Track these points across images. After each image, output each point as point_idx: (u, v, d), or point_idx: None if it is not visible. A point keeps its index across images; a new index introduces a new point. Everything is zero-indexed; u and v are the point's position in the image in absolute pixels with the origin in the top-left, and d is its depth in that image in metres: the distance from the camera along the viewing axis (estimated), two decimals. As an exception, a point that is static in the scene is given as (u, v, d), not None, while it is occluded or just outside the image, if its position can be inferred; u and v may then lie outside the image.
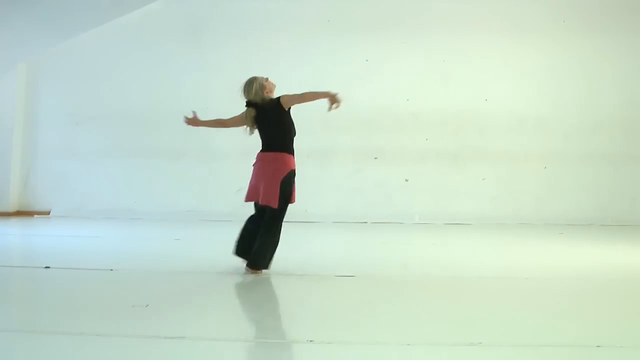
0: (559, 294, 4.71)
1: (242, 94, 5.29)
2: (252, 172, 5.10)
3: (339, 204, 8.97)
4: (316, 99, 5.04)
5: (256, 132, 5.27)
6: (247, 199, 5.11)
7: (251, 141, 9.23)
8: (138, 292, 4.55)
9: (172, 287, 4.79)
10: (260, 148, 5.16)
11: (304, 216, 8.15)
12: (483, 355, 3.25)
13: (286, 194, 4.95)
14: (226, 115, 9.13)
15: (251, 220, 5.12)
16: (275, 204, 4.85)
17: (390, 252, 6.45)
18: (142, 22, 9.30)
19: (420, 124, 9.12)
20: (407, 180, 9.13)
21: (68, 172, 9.32)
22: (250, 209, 5.17)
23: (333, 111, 4.88)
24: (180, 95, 9.28)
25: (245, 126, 5.26)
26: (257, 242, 4.91)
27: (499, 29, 9.16)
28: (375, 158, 8.90)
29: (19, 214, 9.23)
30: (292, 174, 5.02)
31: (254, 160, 5.12)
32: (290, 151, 5.09)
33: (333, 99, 4.83)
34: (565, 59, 9.18)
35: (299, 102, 5.10)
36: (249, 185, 5.09)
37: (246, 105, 5.24)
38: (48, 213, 9.26)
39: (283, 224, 5.00)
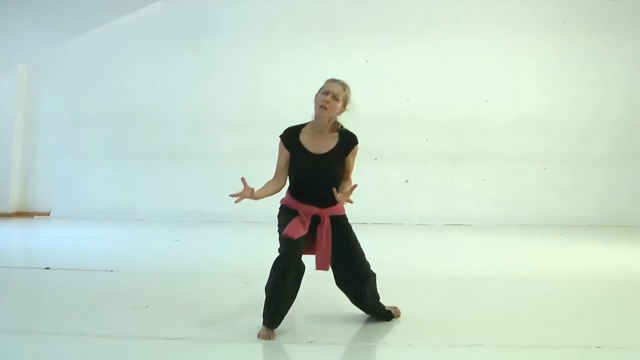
0: (559, 294, 4.71)
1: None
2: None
3: (339, 205, 8.96)
4: None
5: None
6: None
7: (252, 142, 9.32)
8: (138, 292, 4.55)
9: (172, 287, 4.79)
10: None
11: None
12: (483, 355, 3.25)
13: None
14: (226, 116, 9.22)
15: None
16: None
17: (390, 253, 6.45)
18: (142, 23, 9.30)
19: (421, 124, 9.12)
20: (407, 181, 9.13)
21: (68, 172, 9.31)
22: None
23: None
24: (180, 95, 9.29)
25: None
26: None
27: (499, 29, 9.16)
28: (375, 159, 8.88)
29: (19, 214, 9.22)
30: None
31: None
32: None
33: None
34: (565, 59, 9.17)
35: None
36: None
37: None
38: (48, 214, 9.25)
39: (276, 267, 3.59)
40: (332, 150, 3.70)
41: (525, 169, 9.12)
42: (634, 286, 5.03)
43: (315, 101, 3.74)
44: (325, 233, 3.63)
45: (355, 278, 3.71)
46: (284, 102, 9.10)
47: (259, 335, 3.45)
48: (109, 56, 9.37)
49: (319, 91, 3.75)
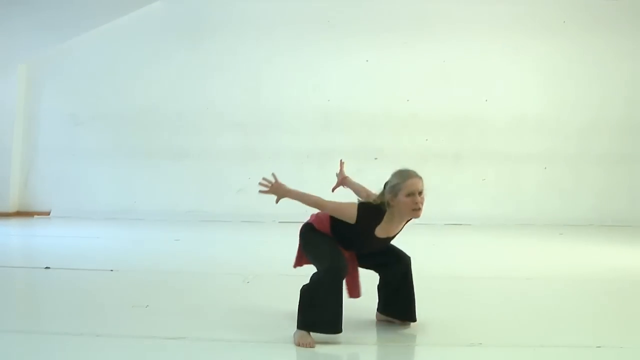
0: (559, 294, 4.71)
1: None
2: None
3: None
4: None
5: None
6: None
7: (252, 141, 9.31)
8: (138, 292, 4.55)
9: (172, 287, 4.79)
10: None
11: (304, 217, 8.13)
12: (483, 355, 3.25)
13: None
14: (226, 115, 9.22)
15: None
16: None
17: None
18: (142, 23, 9.30)
19: (420, 124, 9.12)
20: (407, 181, 9.14)
21: (68, 172, 9.31)
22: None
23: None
24: (180, 95, 9.30)
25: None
26: None
27: (499, 29, 9.16)
28: (376, 158, 8.88)
29: (19, 214, 9.23)
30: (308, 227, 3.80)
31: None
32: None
33: None
34: (565, 59, 9.18)
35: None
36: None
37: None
38: (48, 213, 9.26)
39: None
40: (397, 233, 3.67)
41: (525, 168, 9.12)
42: (633, 286, 5.03)
43: (393, 197, 3.43)
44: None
45: (398, 259, 3.78)
46: (284, 102, 9.11)
47: (301, 344, 3.32)
48: (109, 56, 9.37)
49: (397, 189, 3.41)
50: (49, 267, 5.27)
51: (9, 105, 9.23)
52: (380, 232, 3.52)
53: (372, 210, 3.49)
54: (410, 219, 3.54)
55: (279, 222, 8.41)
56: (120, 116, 9.30)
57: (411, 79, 9.16)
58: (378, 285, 3.84)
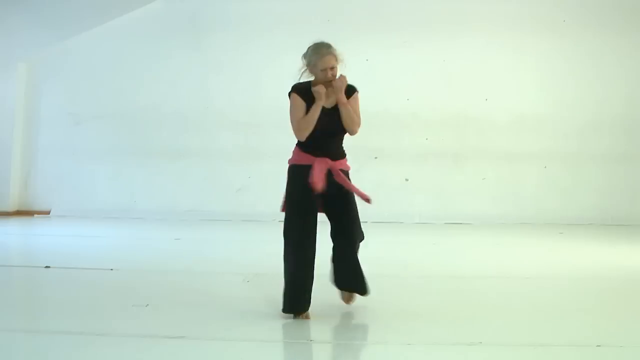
0: (559, 293, 4.71)
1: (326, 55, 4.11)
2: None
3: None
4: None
5: None
6: None
7: (252, 140, 9.32)
8: (138, 291, 4.55)
9: (172, 286, 4.79)
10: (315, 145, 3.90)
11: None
12: (483, 355, 3.25)
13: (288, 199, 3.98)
14: (227, 115, 9.23)
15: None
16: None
17: (391, 252, 6.46)
18: (142, 22, 9.29)
19: (420, 123, 9.11)
20: (407, 180, 9.13)
21: (68, 171, 9.31)
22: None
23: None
24: (180, 95, 9.29)
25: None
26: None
27: (499, 28, 9.15)
28: (376, 158, 8.88)
29: (19, 213, 9.22)
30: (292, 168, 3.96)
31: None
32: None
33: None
34: (566, 58, 9.17)
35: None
36: None
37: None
38: (48, 213, 9.25)
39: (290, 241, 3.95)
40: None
41: (525, 167, 9.11)
42: (633, 285, 5.03)
43: (312, 68, 4.11)
44: (343, 179, 3.85)
45: (342, 233, 3.92)
46: (284, 101, 9.07)
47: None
48: (109, 55, 9.36)
49: (311, 63, 4.15)
50: (49, 266, 5.28)
51: (8, 104, 9.21)
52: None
53: (300, 82, 4.03)
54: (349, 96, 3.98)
55: (279, 221, 8.40)
56: (121, 115, 9.30)
57: (411, 78, 9.15)
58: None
